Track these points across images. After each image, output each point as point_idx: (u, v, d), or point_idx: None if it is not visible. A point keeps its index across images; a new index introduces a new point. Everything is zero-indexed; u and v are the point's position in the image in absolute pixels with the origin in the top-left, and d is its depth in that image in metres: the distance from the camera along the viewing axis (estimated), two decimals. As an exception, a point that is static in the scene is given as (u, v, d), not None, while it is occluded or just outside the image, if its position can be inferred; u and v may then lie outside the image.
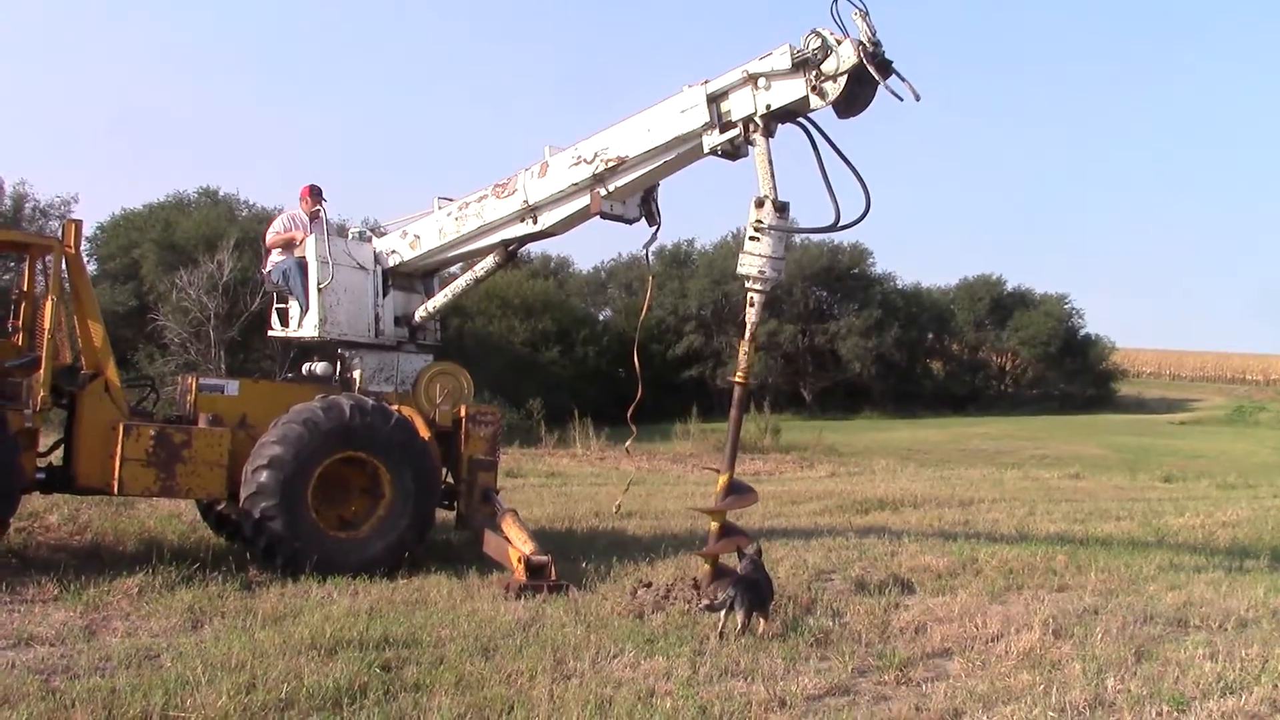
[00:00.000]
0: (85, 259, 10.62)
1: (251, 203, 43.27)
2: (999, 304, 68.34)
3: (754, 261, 9.00)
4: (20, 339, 10.05)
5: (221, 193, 44.41)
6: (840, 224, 9.44)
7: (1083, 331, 69.80)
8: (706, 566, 8.87)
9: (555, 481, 19.90)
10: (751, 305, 9.12)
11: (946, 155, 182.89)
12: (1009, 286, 70.28)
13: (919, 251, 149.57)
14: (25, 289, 10.33)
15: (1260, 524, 15.87)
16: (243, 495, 9.62)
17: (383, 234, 11.84)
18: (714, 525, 8.98)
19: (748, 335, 9.16)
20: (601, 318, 59.92)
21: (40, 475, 9.78)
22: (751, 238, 9.01)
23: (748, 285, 9.09)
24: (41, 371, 9.39)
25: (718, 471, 9.16)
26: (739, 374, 9.11)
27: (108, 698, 5.81)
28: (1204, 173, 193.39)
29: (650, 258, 13.88)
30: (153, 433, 9.65)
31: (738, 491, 9.07)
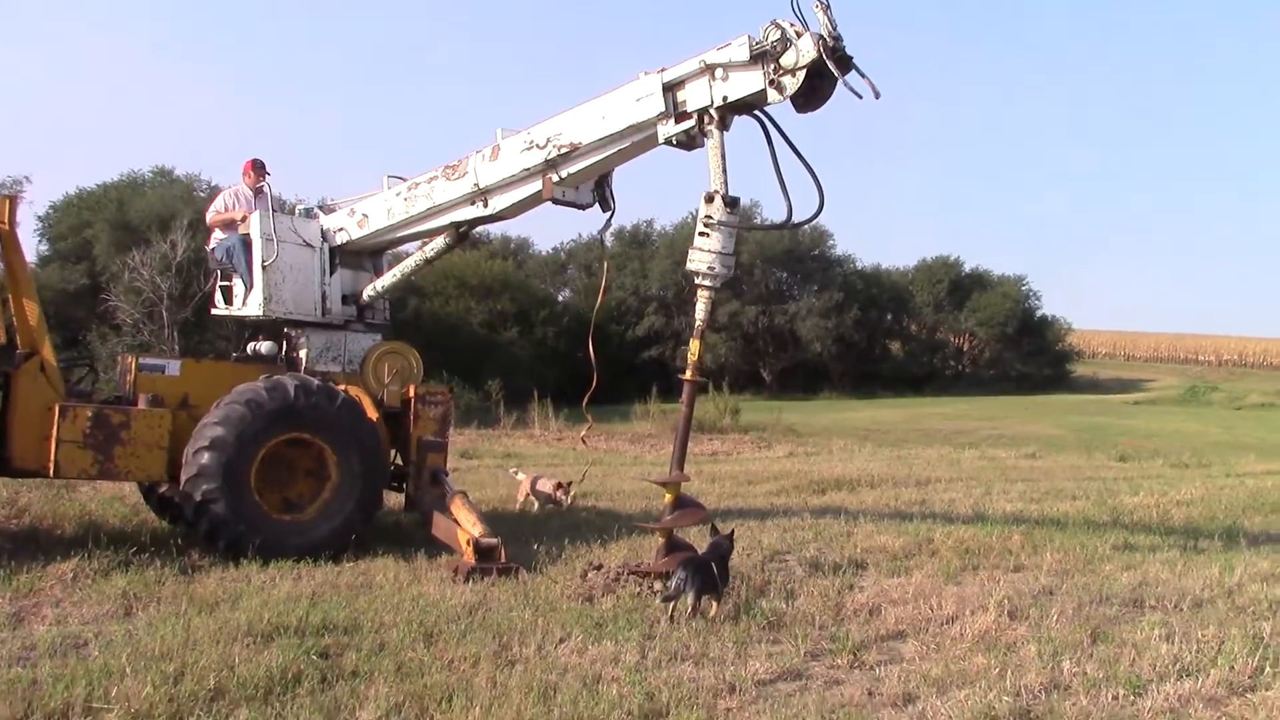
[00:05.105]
0: (26, 237, 10.27)
1: (210, 182, 42.60)
2: (957, 285, 68.84)
3: (703, 258, 8.82)
4: (-48, 318, 9.72)
5: (177, 172, 43.74)
6: (793, 221, 9.31)
7: (1039, 313, 70.54)
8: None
9: (511, 462, 19.62)
10: (701, 302, 8.95)
11: (905, 136, 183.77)
12: (967, 268, 70.85)
13: (878, 233, 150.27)
14: (-43, 266, 10.00)
15: (1213, 502, 15.95)
16: (183, 478, 9.37)
17: (330, 211, 11.55)
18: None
19: (697, 331, 8.99)
20: (561, 298, 59.75)
21: (-26, 458, 9.49)
22: (701, 233, 8.82)
23: (697, 281, 8.89)
24: (-27, 351, 9.10)
25: (663, 485, 9.01)
26: (689, 371, 8.93)
27: (28, 690, 5.58)
28: (1161, 157, 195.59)
29: (606, 244, 13.74)
30: (89, 414, 9.36)
31: (684, 507, 8.88)
